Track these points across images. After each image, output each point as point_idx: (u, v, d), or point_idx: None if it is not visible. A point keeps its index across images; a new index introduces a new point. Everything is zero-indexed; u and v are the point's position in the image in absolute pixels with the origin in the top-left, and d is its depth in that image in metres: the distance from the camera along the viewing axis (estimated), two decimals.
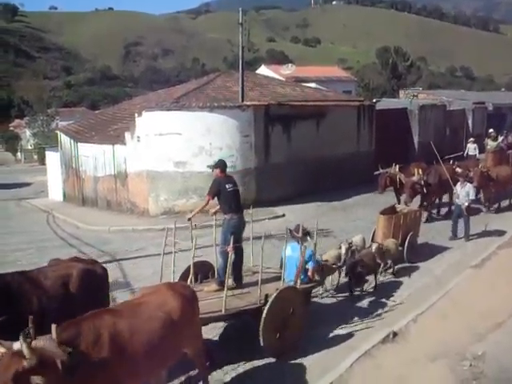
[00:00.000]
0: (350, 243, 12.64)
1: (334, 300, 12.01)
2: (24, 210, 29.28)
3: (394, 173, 19.47)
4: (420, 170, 18.47)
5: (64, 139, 29.34)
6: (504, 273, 13.11)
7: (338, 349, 9.50)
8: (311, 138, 23.82)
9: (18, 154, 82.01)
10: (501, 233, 16.99)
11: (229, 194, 10.49)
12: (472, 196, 16.35)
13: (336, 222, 19.00)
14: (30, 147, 77.23)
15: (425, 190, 18.20)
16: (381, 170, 19.73)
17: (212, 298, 9.58)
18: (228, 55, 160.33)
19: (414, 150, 31.92)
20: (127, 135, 22.18)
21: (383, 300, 11.83)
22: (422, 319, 10.55)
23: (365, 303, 11.67)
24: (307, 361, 9.08)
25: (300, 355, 9.25)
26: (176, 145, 20.95)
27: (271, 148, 22.41)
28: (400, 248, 13.91)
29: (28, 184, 44.98)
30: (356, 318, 10.79)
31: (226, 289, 9.14)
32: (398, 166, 19.70)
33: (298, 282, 10.02)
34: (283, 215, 20.48)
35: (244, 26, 22.25)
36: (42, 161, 51.29)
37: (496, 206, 20.53)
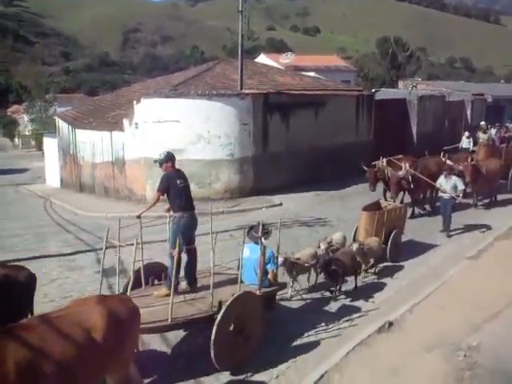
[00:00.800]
0: (330, 242, 12.08)
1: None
2: (21, 195, 29.26)
3: (382, 167, 18.65)
4: (407, 165, 17.64)
5: (62, 125, 29.26)
6: (501, 264, 13.12)
7: (334, 338, 9.52)
8: (310, 127, 23.78)
9: (16, 139, 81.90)
10: (496, 225, 16.73)
11: (180, 190, 9.76)
12: (461, 187, 15.74)
13: (334, 212, 19.02)
14: (27, 133, 77.10)
15: (411, 185, 17.42)
16: (366, 168, 18.64)
17: (159, 305, 8.70)
18: (227, 43, 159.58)
19: (413, 140, 31.88)
20: (125, 122, 22.12)
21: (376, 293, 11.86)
22: (418, 309, 10.56)
23: (359, 297, 11.69)
24: (303, 349, 9.09)
25: (296, 343, 9.27)
26: (174, 132, 20.89)
27: (269, 136, 22.37)
28: (383, 246, 13.27)
29: (25, 170, 44.94)
30: (352, 308, 10.80)
31: (172, 295, 8.27)
32: (385, 159, 18.78)
33: (261, 285, 9.24)
34: (281, 204, 20.48)
35: (244, 13, 22.17)
36: (40, 147, 51.15)
37: (487, 200, 20.14)
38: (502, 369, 8.39)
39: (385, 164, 18.59)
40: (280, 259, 10.22)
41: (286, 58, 55.35)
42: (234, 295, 8.45)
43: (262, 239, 9.34)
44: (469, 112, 39.41)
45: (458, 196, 15.54)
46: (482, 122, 26.40)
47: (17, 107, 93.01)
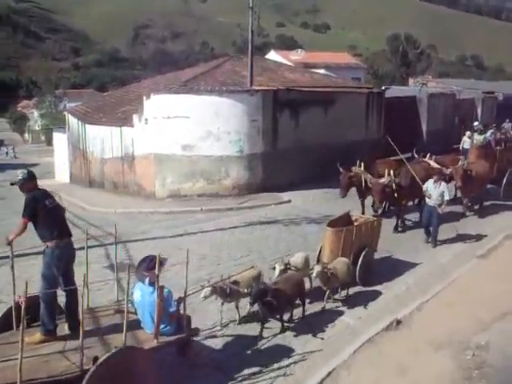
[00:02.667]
0: (287, 264, 10.60)
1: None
2: None
3: (358, 172, 16.72)
4: (391, 171, 15.75)
5: (72, 120, 29.35)
6: (510, 263, 13.08)
7: (342, 335, 9.51)
8: (319, 124, 23.71)
9: (26, 134, 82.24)
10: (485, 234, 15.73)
11: (50, 213, 7.83)
12: (447, 197, 14.24)
13: (342, 209, 18.85)
14: (37, 128, 77.45)
15: (395, 194, 15.59)
16: (341, 170, 16.91)
17: (16, 358, 6.13)
18: (237, 39, 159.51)
19: (423, 138, 31.78)
20: (135, 117, 22.15)
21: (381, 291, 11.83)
22: (427, 308, 10.55)
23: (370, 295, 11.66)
24: (310, 347, 9.09)
25: (303, 341, 9.26)
26: (184, 128, 20.90)
27: (279, 133, 22.33)
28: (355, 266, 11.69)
29: (35, 165, 45.07)
30: (360, 306, 10.78)
31: (21, 347, 6.01)
32: (362, 163, 16.85)
33: (157, 334, 7.62)
34: (289, 201, 20.45)
35: (254, 10, 22.11)
36: (50, 142, 51.36)
37: (477, 206, 18.89)
38: (510, 368, 8.36)
39: (362, 169, 16.67)
40: (207, 289, 9.19)
41: (296, 55, 55.37)
42: (110, 352, 6.73)
43: (149, 279, 7.73)
44: (479, 110, 39.21)
45: (440, 206, 14.17)
46: (477, 123, 24.00)
47: (27, 102, 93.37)
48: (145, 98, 21.71)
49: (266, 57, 47.14)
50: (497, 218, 17.72)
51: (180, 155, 21.08)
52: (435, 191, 14.32)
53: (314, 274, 10.33)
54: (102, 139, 24.50)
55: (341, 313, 10.38)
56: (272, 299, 9.01)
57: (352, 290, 11.32)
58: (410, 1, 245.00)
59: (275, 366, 8.46)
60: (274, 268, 10.39)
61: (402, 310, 10.33)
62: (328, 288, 10.53)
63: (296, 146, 22.64)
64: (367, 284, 11.78)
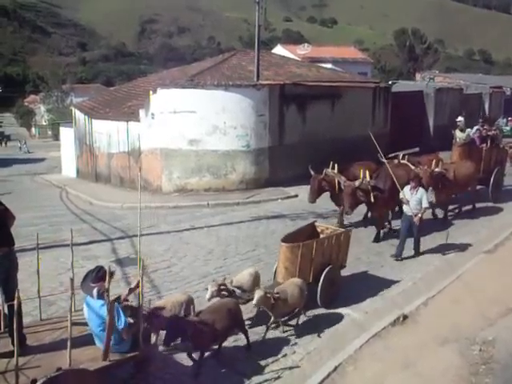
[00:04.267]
0: (221, 285, 8.97)
1: None
2: (38, 185, 29.47)
3: (331, 174, 15.19)
4: (367, 172, 14.20)
5: (78, 115, 29.38)
6: None
7: (349, 330, 9.50)
8: (326, 118, 23.69)
9: (33, 129, 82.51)
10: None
11: None
12: (426, 204, 12.99)
13: None
14: (44, 123, 77.77)
15: (372, 199, 13.98)
16: (312, 173, 15.48)
17: None
18: (244, 34, 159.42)
19: (429, 133, 31.71)
20: (141, 112, 22.15)
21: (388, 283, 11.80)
22: (433, 303, 10.53)
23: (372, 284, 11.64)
24: (317, 341, 9.09)
25: (309, 335, 9.26)
26: (190, 123, 20.91)
27: (285, 128, 22.32)
28: (315, 287, 10.15)
29: (42, 159, 45.23)
30: (367, 300, 10.76)
31: None
32: (336, 164, 15.28)
33: (107, 352, 6.79)
34: (296, 195, 20.43)
35: (261, 4, 22.11)
36: (56, 136, 51.54)
37: (457, 211, 17.70)
38: None
39: (336, 171, 15.11)
40: (214, 289, 8.62)
41: (303, 50, 55.24)
42: (46, 376, 5.99)
43: (97, 291, 6.91)
44: (487, 105, 39.13)
45: (415, 215, 12.78)
46: (460, 118, 21.24)
47: (34, 97, 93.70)
48: (151, 92, 21.70)
49: (273, 51, 47.01)
50: (503, 213, 17.63)
51: (186, 150, 21.09)
52: (412, 198, 12.96)
53: (254, 302, 8.63)
54: (109, 134, 24.51)
55: (347, 307, 10.35)
56: (193, 336, 7.62)
57: (312, 313, 10.07)
58: None
59: (282, 360, 8.48)
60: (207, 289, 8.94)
61: (409, 305, 10.32)
62: (275, 315, 9.00)
63: (303, 140, 22.61)
64: (331, 306, 10.29)
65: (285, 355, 8.60)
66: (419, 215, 12.81)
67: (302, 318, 9.65)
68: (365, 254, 13.59)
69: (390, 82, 32.55)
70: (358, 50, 76.89)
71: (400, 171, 15.06)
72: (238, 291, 8.97)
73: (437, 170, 15.74)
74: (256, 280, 9.66)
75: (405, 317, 9.78)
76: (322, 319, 9.83)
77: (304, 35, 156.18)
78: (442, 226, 15.69)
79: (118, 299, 7.11)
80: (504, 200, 18.91)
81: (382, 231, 14.95)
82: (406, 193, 13.09)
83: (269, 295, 8.62)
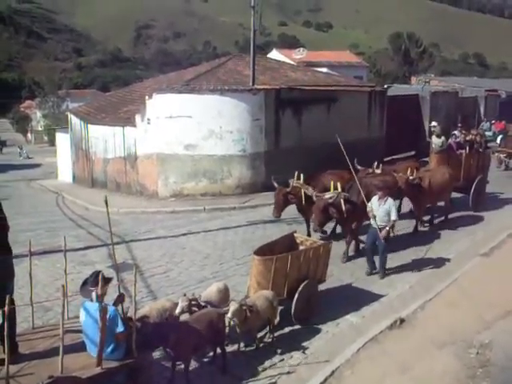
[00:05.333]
0: (192, 300, 8.47)
1: None
2: (34, 190, 29.45)
3: (297, 186, 14.21)
4: (338, 184, 13.03)
5: (74, 121, 29.36)
6: None
7: (346, 334, 9.51)
8: (322, 122, 23.68)
9: (29, 134, 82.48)
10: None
11: None
12: (394, 216, 11.87)
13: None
14: (40, 128, 77.76)
15: (344, 213, 12.70)
16: (276, 185, 14.62)
17: None
18: (239, 39, 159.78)
19: (425, 137, 31.74)
20: (137, 117, 22.15)
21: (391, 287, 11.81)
22: (430, 306, 10.54)
23: (373, 288, 11.64)
24: (314, 345, 9.09)
25: (307, 339, 9.26)
26: (186, 128, 20.90)
27: (281, 132, 22.32)
28: (287, 302, 9.79)
29: (38, 165, 45.17)
30: (364, 304, 10.76)
31: None
32: (302, 174, 14.40)
33: (100, 359, 6.64)
34: None
35: (256, 9, 22.09)
36: (52, 142, 51.50)
37: (441, 219, 16.90)
38: None
39: (301, 182, 14.20)
40: (184, 304, 8.25)
41: (299, 54, 55.40)
42: (39, 383, 6.02)
43: (96, 295, 6.80)
44: (482, 108, 39.25)
45: (383, 229, 11.83)
46: (434, 123, 20.26)
47: (30, 103, 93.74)
48: (147, 97, 21.70)
49: (269, 56, 47.11)
50: (499, 215, 17.65)
51: (183, 155, 21.09)
52: (380, 209, 11.95)
53: (229, 314, 8.21)
54: (105, 139, 24.50)
55: (344, 311, 10.35)
56: (174, 345, 7.46)
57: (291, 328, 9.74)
58: (412, 0, 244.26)
59: (278, 364, 8.48)
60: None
61: (406, 309, 10.32)
62: (242, 330, 8.63)
63: (299, 144, 22.61)
64: (305, 322, 9.81)
65: (282, 360, 8.60)
66: (386, 228, 11.82)
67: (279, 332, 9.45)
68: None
69: (385, 86, 32.60)
70: (353, 53, 77.21)
71: (377, 181, 13.74)
72: (208, 306, 8.58)
73: (411, 177, 15.00)
74: (225, 295, 9.25)
75: (402, 320, 9.78)
76: (319, 325, 9.83)
77: (299, 39, 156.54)
78: (423, 238, 15.18)
79: (118, 299, 7.12)
80: (487, 208, 18.11)
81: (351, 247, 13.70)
82: (374, 204, 12.07)
83: (244, 307, 8.34)
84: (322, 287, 10.64)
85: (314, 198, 13.15)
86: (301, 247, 10.66)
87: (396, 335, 9.38)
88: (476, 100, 39.09)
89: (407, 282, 11.97)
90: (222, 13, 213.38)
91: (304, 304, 9.74)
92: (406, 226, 15.92)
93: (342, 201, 12.68)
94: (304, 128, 23.06)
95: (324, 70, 40.98)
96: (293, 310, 9.58)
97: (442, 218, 16.96)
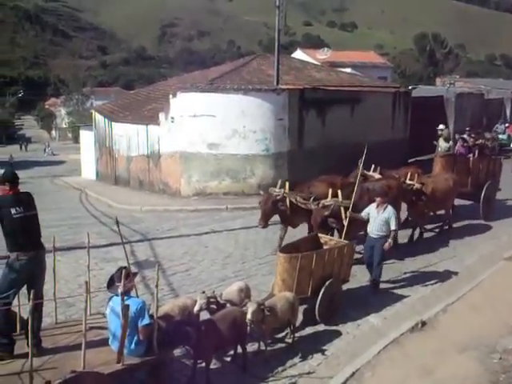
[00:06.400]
0: (211, 297, 8.35)
1: None
2: (57, 187, 29.76)
3: (285, 195, 13.23)
4: (338, 191, 12.20)
5: (98, 118, 29.60)
6: None
7: (367, 335, 9.47)
8: (345, 123, 23.61)
9: (53, 131, 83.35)
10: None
11: (13, 223, 6.95)
12: (394, 226, 11.01)
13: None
14: (64, 125, 78.51)
15: (345, 222, 11.48)
16: (262, 193, 13.81)
17: None
18: (264, 38, 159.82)
19: (449, 139, 31.50)
20: (161, 116, 22.26)
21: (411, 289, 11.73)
22: (452, 309, 10.44)
23: (394, 290, 11.57)
24: (335, 346, 9.07)
25: (328, 340, 9.24)
26: (210, 126, 20.95)
27: (305, 132, 22.27)
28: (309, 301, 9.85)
29: (62, 162, 45.63)
30: (385, 306, 10.70)
31: None
32: (288, 182, 13.63)
33: (121, 354, 6.69)
34: None
35: (281, 8, 22.09)
36: (76, 139, 52.00)
37: (429, 229, 15.99)
38: None
39: (287, 190, 13.30)
40: (203, 301, 8.13)
41: (323, 54, 55.23)
42: (60, 378, 6.01)
43: (122, 290, 6.67)
44: (508, 110, 38.83)
45: (382, 238, 11.05)
46: (441, 126, 19.13)
47: (54, 100, 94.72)
48: (171, 96, 21.80)
49: (293, 56, 47.08)
50: None
51: (206, 153, 21.14)
52: (378, 218, 11.10)
53: (248, 316, 8.01)
54: (129, 137, 24.67)
55: (365, 313, 10.31)
56: (195, 344, 7.37)
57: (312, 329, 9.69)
58: (438, 0, 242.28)
59: (299, 364, 8.47)
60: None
61: (427, 312, 10.25)
62: (263, 331, 8.50)
63: (322, 145, 22.55)
64: (331, 322, 9.83)
65: (302, 360, 8.58)
66: (389, 240, 10.94)
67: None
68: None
69: (410, 87, 32.39)
70: (377, 54, 76.77)
71: (379, 186, 13.07)
72: (228, 305, 8.52)
73: (408, 182, 14.28)
74: (246, 294, 9.09)
75: (423, 323, 9.70)
76: (340, 325, 9.81)
77: (324, 39, 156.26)
78: (446, 242, 14.93)
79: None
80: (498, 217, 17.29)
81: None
82: (372, 211, 11.25)
83: (262, 307, 8.22)
84: (343, 288, 10.63)
85: (312, 207, 12.32)
86: (325, 247, 10.60)
87: (417, 338, 9.31)
88: (502, 102, 38.69)
89: (429, 285, 11.88)
90: (247, 12, 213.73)
91: (328, 303, 9.76)
92: (428, 229, 15.85)
93: (341, 209, 11.88)
94: (327, 128, 22.99)
95: (348, 70, 40.85)
96: (317, 309, 9.60)
97: (446, 226, 16.10)
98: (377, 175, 14.84)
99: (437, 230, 16.13)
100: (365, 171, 14.58)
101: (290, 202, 13.10)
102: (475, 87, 42.08)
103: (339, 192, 12.14)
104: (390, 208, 11.11)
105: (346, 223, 11.38)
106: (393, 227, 10.99)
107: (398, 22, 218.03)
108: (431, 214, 15.82)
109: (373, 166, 15.06)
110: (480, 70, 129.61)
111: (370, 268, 11.41)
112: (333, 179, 13.75)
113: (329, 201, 12.04)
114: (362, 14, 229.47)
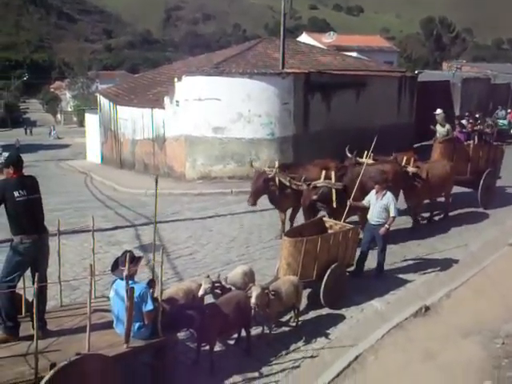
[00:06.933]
0: (215, 282, 8.33)
1: None
2: (63, 171, 29.82)
3: (276, 175, 13.12)
4: (331, 173, 12.18)
5: (103, 102, 29.57)
6: None
7: (370, 320, 9.49)
8: (351, 107, 23.52)
9: (58, 115, 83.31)
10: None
11: (18, 206, 6.92)
12: (394, 212, 10.89)
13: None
14: (69, 109, 78.42)
15: (334, 205, 11.81)
16: (254, 169, 14.07)
17: None
18: (269, 22, 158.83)
19: (455, 124, 31.36)
20: (166, 99, 22.23)
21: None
22: (456, 294, 10.46)
23: (398, 275, 11.58)
24: (338, 330, 9.10)
25: (331, 324, 9.27)
26: (215, 110, 20.91)
27: (310, 116, 22.21)
28: (310, 285, 9.93)
29: (67, 145, 45.66)
30: (389, 291, 10.73)
31: None
32: (280, 163, 13.91)
33: (128, 337, 6.75)
34: None
35: None
36: (81, 123, 52.03)
37: (426, 216, 15.66)
38: None
39: (278, 171, 13.20)
40: (207, 286, 8.07)
41: (329, 38, 54.78)
42: (66, 360, 5.97)
43: (126, 275, 6.65)
44: None
45: (379, 227, 10.97)
46: (438, 111, 18.28)
47: (59, 83, 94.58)
48: (176, 79, 21.76)
49: (298, 39, 46.75)
50: None
51: (211, 137, 21.11)
52: (377, 204, 11.05)
53: (252, 300, 7.97)
54: (134, 121, 24.65)
55: (369, 297, 10.33)
56: (199, 327, 7.44)
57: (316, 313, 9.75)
58: None
59: (302, 348, 8.50)
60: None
61: (431, 297, 10.27)
62: (267, 315, 8.52)
63: (327, 129, 22.48)
64: (335, 306, 9.86)
65: (306, 343, 8.62)
66: (386, 226, 10.91)
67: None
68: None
69: (416, 72, 32.24)
70: (384, 38, 76.25)
71: (375, 171, 12.88)
72: (232, 288, 8.55)
73: (409, 169, 14.08)
74: (250, 278, 9.09)
75: (427, 308, 9.73)
76: (343, 310, 9.83)
77: (330, 23, 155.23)
78: (450, 227, 14.91)
79: (149, 283, 7.27)
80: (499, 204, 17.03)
81: None
82: (371, 198, 11.22)
83: (266, 291, 8.23)
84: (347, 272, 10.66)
85: (303, 187, 12.24)
86: (329, 231, 10.60)
87: (421, 322, 9.34)
88: (509, 87, 38.40)
89: (433, 270, 11.88)
90: None
91: (332, 287, 9.74)
92: (430, 216, 15.80)
93: (333, 191, 11.92)
94: (333, 112, 22.91)
95: (354, 54, 40.58)
96: (321, 292, 9.61)
97: (442, 215, 15.94)
98: (370, 161, 13.90)
99: (437, 218, 16.00)
100: (357, 158, 14.28)
101: (280, 183, 13.02)
102: (482, 72, 41.83)
103: (333, 174, 12.11)
104: (389, 194, 11.05)
105: (335, 205, 11.59)
106: (392, 214, 10.92)
107: (404, 5, 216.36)
108: (428, 201, 15.51)
109: (365, 152, 13.91)
110: (487, 55, 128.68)
111: (364, 252, 11.24)
112: (327, 163, 13.42)
113: (321, 182, 12.06)
114: None
